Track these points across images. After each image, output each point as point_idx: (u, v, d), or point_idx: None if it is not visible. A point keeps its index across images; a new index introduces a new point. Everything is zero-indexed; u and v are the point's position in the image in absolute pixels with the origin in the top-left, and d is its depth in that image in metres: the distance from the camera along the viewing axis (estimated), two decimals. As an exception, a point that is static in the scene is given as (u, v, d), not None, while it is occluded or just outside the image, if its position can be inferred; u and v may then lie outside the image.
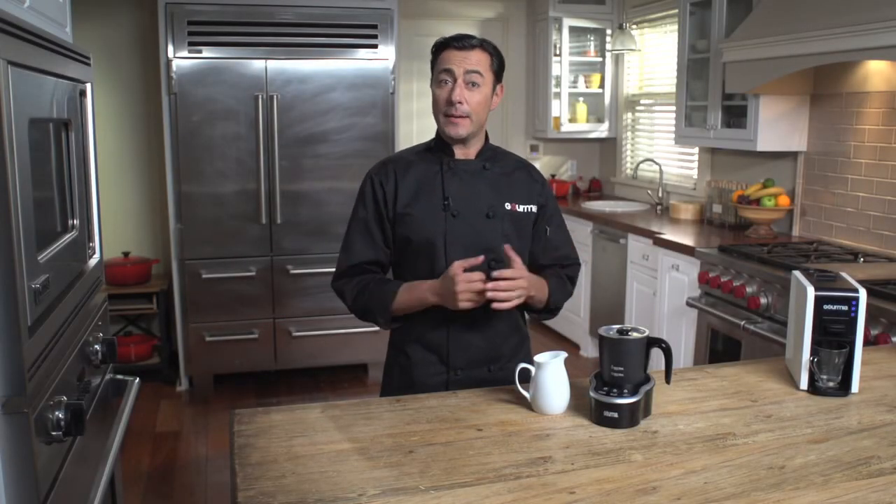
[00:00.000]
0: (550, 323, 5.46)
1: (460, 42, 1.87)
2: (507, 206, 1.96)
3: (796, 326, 1.86)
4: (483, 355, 1.97)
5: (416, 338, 1.97)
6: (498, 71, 1.93)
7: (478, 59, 1.87)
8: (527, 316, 2.09)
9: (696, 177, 4.89)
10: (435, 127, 1.99)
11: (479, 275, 1.78)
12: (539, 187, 2.04)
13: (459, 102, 1.85)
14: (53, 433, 1.54)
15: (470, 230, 1.91)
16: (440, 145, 1.97)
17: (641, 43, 5.48)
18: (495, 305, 1.80)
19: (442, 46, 1.90)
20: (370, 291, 1.92)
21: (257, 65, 4.31)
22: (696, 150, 4.86)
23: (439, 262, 1.90)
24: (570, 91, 5.62)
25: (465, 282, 1.77)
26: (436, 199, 1.93)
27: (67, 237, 1.88)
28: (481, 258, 1.80)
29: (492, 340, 1.98)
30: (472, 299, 1.79)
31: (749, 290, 3.27)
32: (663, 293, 4.03)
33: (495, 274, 1.79)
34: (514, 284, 1.80)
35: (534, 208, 1.99)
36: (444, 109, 1.88)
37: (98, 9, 4.71)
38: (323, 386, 4.65)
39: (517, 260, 1.84)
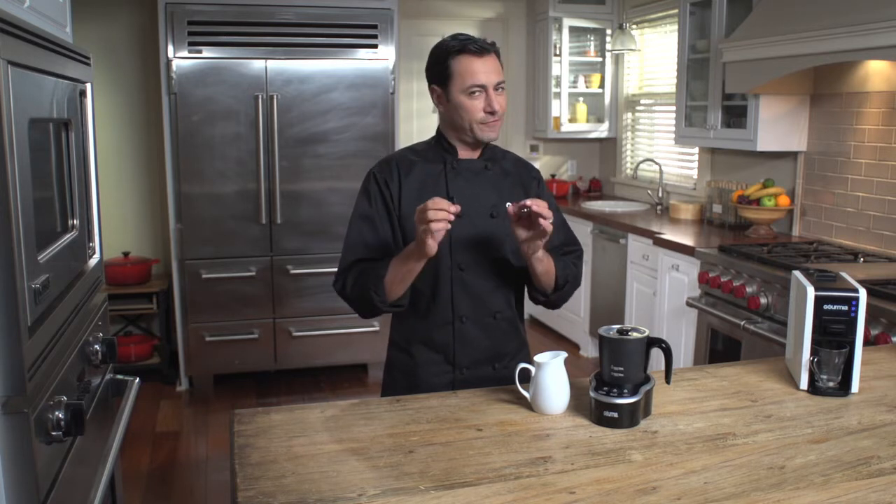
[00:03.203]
0: (550, 323, 5.45)
1: (477, 46, 1.86)
2: (508, 205, 1.96)
3: (796, 326, 1.86)
4: (488, 354, 1.98)
5: (421, 338, 1.97)
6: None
7: (498, 68, 1.89)
8: (526, 317, 2.08)
9: (696, 177, 4.89)
10: (435, 126, 1.99)
11: (444, 201, 1.70)
12: (535, 184, 2.05)
13: (498, 109, 1.87)
14: (53, 433, 1.54)
15: (474, 230, 1.91)
16: (443, 144, 1.97)
17: (641, 43, 5.48)
18: (542, 222, 1.73)
19: (456, 52, 1.86)
20: (363, 272, 1.87)
21: (257, 65, 4.31)
22: (696, 150, 4.86)
23: (444, 262, 1.91)
24: (570, 91, 5.62)
25: (420, 210, 1.69)
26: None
27: (67, 237, 1.88)
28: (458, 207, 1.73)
29: (496, 339, 1.99)
30: (431, 228, 1.67)
31: (749, 290, 3.27)
32: (663, 293, 4.03)
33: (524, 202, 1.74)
34: (545, 205, 1.74)
35: None
36: (481, 118, 1.88)
37: (98, 9, 4.71)
38: (323, 386, 4.65)
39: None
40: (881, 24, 2.82)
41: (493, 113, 1.87)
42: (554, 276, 1.94)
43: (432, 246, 1.71)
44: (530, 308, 3.96)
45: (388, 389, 2.04)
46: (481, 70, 1.85)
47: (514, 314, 2.03)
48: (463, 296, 1.93)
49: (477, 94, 1.86)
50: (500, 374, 1.97)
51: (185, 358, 4.51)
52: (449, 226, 1.70)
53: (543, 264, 1.89)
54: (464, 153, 1.96)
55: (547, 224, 1.75)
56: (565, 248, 2.07)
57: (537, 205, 1.73)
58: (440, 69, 1.89)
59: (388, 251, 1.92)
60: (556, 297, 2.00)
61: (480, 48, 1.86)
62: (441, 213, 1.68)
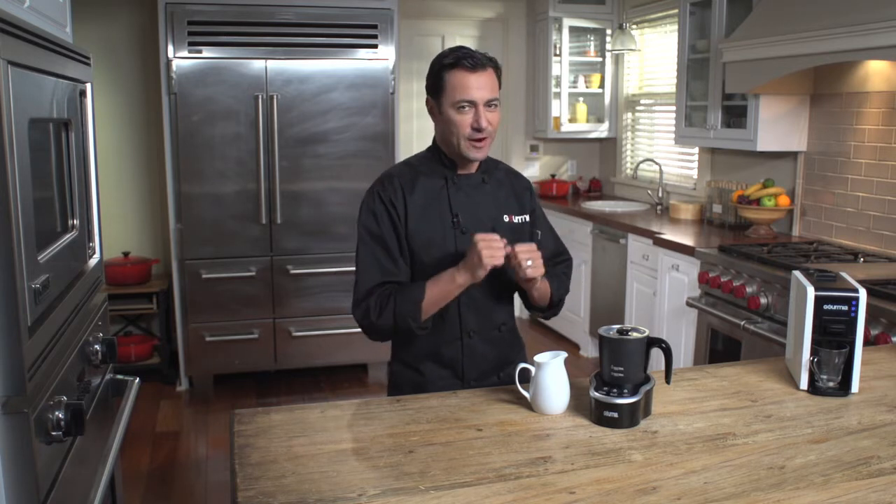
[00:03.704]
0: (550, 323, 5.46)
1: (472, 62, 1.83)
2: (506, 217, 1.97)
3: (796, 326, 1.86)
4: (494, 364, 2.00)
5: (429, 354, 1.97)
6: (499, 83, 1.93)
7: (492, 84, 1.86)
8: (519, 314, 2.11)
9: (696, 177, 4.89)
10: (432, 129, 2.00)
11: (495, 234, 1.80)
12: (528, 195, 2.06)
13: (486, 126, 1.85)
14: (53, 433, 1.54)
15: None
16: (441, 159, 1.96)
17: (641, 43, 5.48)
18: (531, 272, 1.80)
19: (450, 67, 1.85)
20: (395, 299, 1.85)
21: (257, 65, 4.31)
22: (696, 150, 4.86)
23: None
24: (570, 91, 5.62)
25: (484, 238, 1.77)
26: (444, 215, 1.92)
27: (67, 237, 1.88)
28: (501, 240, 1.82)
29: (502, 350, 2.01)
30: (494, 255, 1.76)
31: (749, 290, 3.27)
32: (663, 293, 4.03)
33: (515, 246, 1.81)
34: (532, 247, 1.82)
35: (527, 218, 2.02)
36: (468, 135, 1.86)
37: (98, 9, 4.71)
38: (323, 386, 4.65)
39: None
40: (881, 24, 2.82)
41: (479, 130, 1.84)
42: (549, 296, 2.00)
43: (491, 263, 1.77)
44: (530, 308, 3.95)
45: None
46: (473, 86, 1.83)
47: (514, 322, 2.07)
48: (469, 311, 1.94)
49: (466, 109, 1.84)
50: (505, 381, 2.00)
51: (185, 358, 4.51)
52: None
53: (540, 291, 1.94)
54: (462, 168, 1.96)
55: (533, 271, 1.81)
56: (556, 259, 2.10)
57: (519, 259, 1.79)
58: (434, 81, 1.89)
59: (403, 271, 1.91)
60: (550, 312, 2.07)
61: (475, 63, 1.83)
62: (501, 250, 1.77)
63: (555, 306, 2.04)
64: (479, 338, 1.96)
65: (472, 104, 1.84)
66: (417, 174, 1.95)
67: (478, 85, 1.83)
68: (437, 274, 1.86)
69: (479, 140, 1.86)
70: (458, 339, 1.95)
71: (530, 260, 1.80)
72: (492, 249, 1.76)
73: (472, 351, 1.96)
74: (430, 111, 1.94)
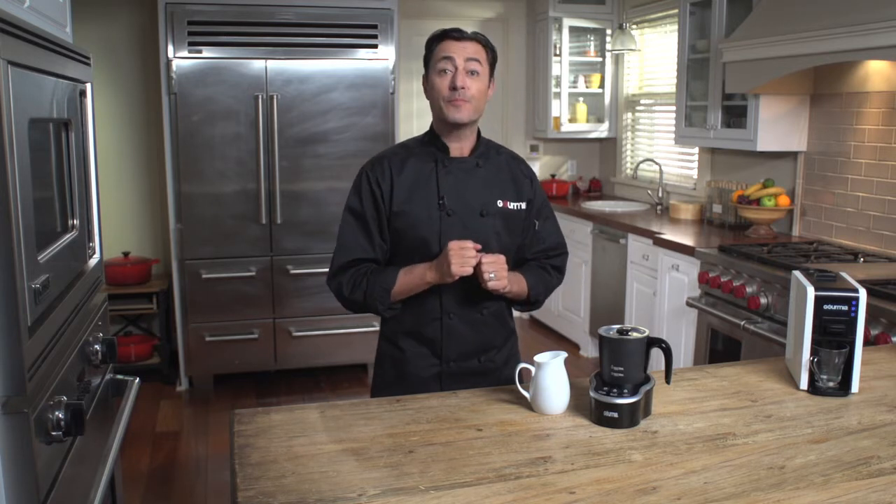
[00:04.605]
0: (550, 323, 5.46)
1: (458, 33, 1.91)
2: (500, 203, 1.98)
3: (796, 326, 1.86)
4: (474, 347, 2.01)
5: (410, 331, 2.00)
6: (492, 64, 1.96)
7: (475, 50, 1.91)
8: (514, 312, 2.11)
9: (696, 177, 4.89)
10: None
11: (470, 242, 1.85)
12: (528, 182, 2.06)
13: (463, 87, 1.88)
14: (53, 433, 1.54)
15: (463, 228, 1.93)
16: (434, 140, 1.98)
17: (641, 43, 5.48)
18: (491, 284, 1.86)
19: (438, 38, 1.93)
20: (368, 279, 1.93)
21: (257, 65, 4.31)
22: (696, 150, 4.86)
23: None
24: (570, 91, 5.62)
25: (457, 248, 1.82)
26: (431, 197, 1.94)
27: (67, 237, 1.88)
28: (478, 246, 1.86)
29: (483, 333, 2.02)
30: (464, 264, 1.82)
31: (749, 290, 3.27)
32: (663, 293, 4.03)
33: (482, 257, 1.87)
34: (498, 259, 1.87)
35: (523, 205, 2.02)
36: (447, 95, 1.89)
37: (98, 9, 4.72)
38: (323, 386, 4.65)
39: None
40: (881, 24, 2.82)
41: (455, 89, 1.88)
42: (526, 295, 2.02)
43: (459, 272, 1.83)
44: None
45: (377, 381, 2.08)
46: (454, 50, 1.89)
47: (502, 307, 2.06)
48: (451, 293, 1.96)
49: (447, 72, 1.89)
50: (486, 366, 2.03)
51: (185, 358, 4.51)
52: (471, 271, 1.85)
53: (513, 292, 1.97)
54: (455, 149, 1.97)
55: (494, 284, 1.86)
56: (550, 252, 2.11)
57: (482, 269, 1.84)
58: (425, 54, 1.96)
59: (378, 251, 1.97)
60: (527, 308, 2.09)
61: (461, 35, 1.91)
62: (472, 258, 1.82)
63: (531, 304, 2.07)
64: (459, 319, 1.98)
65: (450, 61, 1.88)
66: (409, 155, 1.99)
67: (461, 48, 1.89)
68: (421, 253, 1.92)
69: (458, 101, 1.89)
70: (438, 319, 1.97)
71: (493, 273, 1.85)
72: (462, 259, 1.82)
73: (451, 331, 1.98)
74: (425, 90, 1.98)
